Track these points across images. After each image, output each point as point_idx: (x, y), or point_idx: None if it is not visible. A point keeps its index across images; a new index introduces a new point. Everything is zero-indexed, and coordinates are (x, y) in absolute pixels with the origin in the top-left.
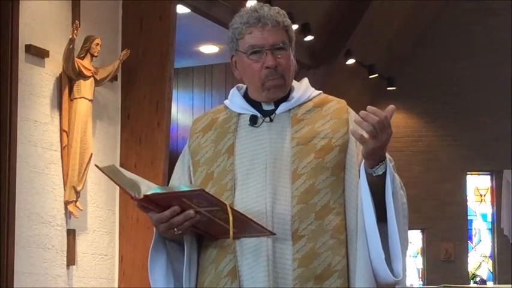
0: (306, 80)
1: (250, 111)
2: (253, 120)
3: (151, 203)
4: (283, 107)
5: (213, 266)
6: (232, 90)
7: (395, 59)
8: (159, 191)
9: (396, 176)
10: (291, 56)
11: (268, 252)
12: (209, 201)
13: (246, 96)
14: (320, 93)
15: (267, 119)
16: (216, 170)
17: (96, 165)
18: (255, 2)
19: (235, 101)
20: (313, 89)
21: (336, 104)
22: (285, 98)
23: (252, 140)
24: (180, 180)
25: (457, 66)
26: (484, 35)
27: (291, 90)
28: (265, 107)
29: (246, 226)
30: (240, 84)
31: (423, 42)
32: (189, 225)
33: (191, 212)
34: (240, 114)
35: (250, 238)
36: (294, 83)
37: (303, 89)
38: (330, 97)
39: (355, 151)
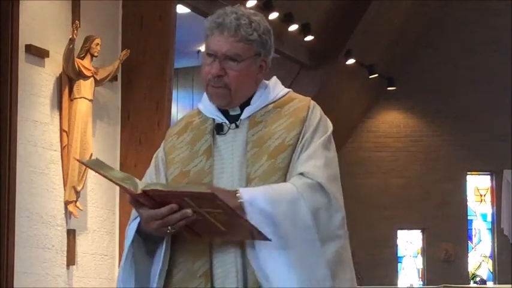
0: (273, 79)
1: (218, 117)
2: (219, 128)
3: (147, 198)
4: (246, 112)
5: (186, 262)
6: (204, 94)
7: (396, 59)
8: (159, 187)
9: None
10: (249, 68)
11: (236, 257)
12: (215, 204)
13: None
14: (288, 92)
15: (233, 125)
16: (192, 170)
17: (74, 158)
18: (255, 2)
19: (206, 105)
20: (282, 87)
21: (298, 102)
22: (249, 102)
23: (222, 146)
24: (154, 178)
25: (457, 66)
26: (484, 35)
27: (256, 93)
28: (232, 111)
29: (242, 229)
30: None
31: (423, 42)
32: (184, 224)
33: (189, 211)
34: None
35: (223, 242)
36: (262, 84)
37: (268, 90)
38: (295, 95)
39: (300, 149)
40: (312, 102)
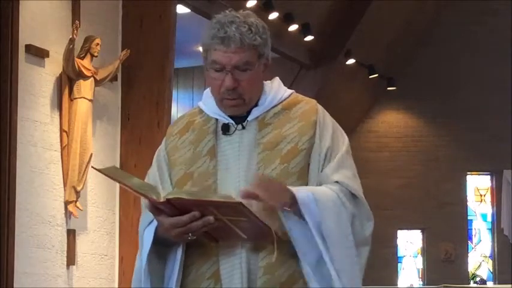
0: (277, 80)
1: (223, 117)
2: (225, 129)
3: (168, 206)
4: (254, 113)
5: (194, 267)
6: (206, 92)
7: (396, 59)
8: (184, 196)
9: (329, 203)
10: (258, 72)
11: (242, 259)
12: (240, 213)
13: None
14: (291, 93)
15: (239, 126)
16: (196, 171)
17: (93, 167)
18: (255, 2)
19: (209, 104)
20: (285, 88)
21: (305, 104)
22: (256, 103)
23: (227, 146)
24: (157, 178)
25: (457, 66)
26: (484, 35)
27: (262, 93)
28: None
29: (262, 234)
30: None
31: (423, 42)
32: (205, 230)
33: (211, 218)
34: (217, 118)
35: (229, 245)
36: (266, 84)
37: (274, 91)
38: (300, 97)
39: (318, 154)
40: (319, 105)
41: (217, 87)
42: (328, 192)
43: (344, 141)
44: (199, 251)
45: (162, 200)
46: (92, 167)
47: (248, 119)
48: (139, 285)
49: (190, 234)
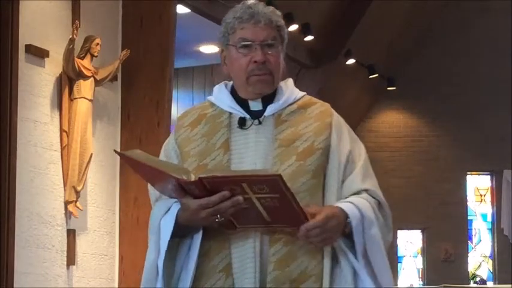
0: (290, 81)
1: (238, 111)
2: (242, 123)
3: (198, 186)
4: (271, 108)
5: (205, 258)
6: (218, 87)
7: (396, 59)
8: (218, 174)
9: (370, 216)
10: (281, 55)
11: (255, 253)
12: (276, 189)
13: (232, 94)
14: (304, 95)
15: (256, 121)
16: (210, 163)
17: (115, 151)
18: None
19: (222, 98)
20: (298, 90)
21: (320, 106)
22: (272, 99)
23: (242, 140)
24: None
25: (457, 66)
26: (484, 35)
27: (278, 91)
28: (253, 107)
29: (285, 217)
30: (226, 81)
31: (423, 42)
32: (232, 212)
33: (240, 198)
34: (231, 112)
35: (241, 237)
36: (281, 83)
37: (290, 90)
38: (314, 99)
39: (337, 156)
40: (332, 108)
41: (244, 65)
42: (367, 206)
43: (362, 146)
44: (210, 243)
45: (193, 179)
46: (114, 150)
47: (265, 114)
48: (152, 285)
49: (218, 216)
